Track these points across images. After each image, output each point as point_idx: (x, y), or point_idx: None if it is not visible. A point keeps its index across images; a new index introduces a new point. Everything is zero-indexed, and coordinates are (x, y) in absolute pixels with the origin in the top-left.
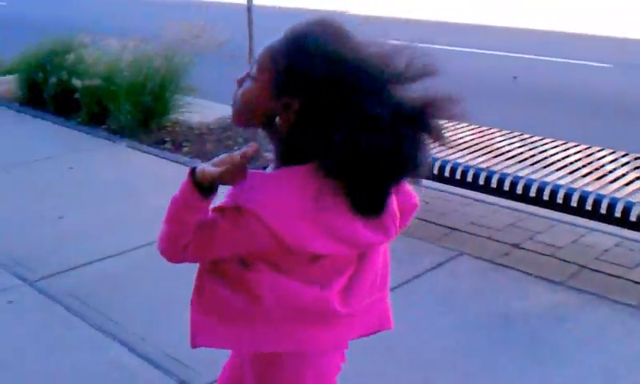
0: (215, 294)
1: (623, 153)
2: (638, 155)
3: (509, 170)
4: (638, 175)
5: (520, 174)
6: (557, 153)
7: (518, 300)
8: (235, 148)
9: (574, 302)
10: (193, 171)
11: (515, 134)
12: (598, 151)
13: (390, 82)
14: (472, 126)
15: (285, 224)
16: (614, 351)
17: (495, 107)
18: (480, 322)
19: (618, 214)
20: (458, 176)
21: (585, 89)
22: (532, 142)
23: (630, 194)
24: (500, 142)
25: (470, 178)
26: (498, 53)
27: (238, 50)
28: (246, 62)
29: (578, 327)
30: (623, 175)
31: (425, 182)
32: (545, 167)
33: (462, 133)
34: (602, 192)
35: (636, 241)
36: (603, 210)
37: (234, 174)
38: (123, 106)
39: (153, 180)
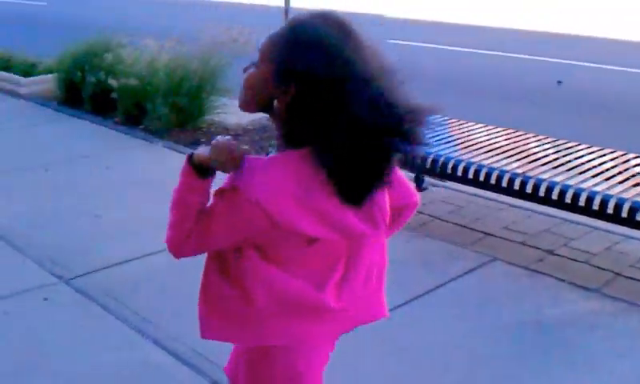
0: (217, 291)
1: None
2: None
3: (544, 176)
4: None
5: (556, 179)
6: (593, 159)
7: (551, 307)
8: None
9: (607, 310)
10: (191, 156)
11: (550, 139)
12: (634, 158)
13: (381, 89)
14: (507, 131)
15: (276, 203)
16: None
17: (536, 112)
18: (512, 329)
19: None
20: (492, 181)
21: (621, 95)
22: (567, 148)
23: None
24: (535, 147)
25: (505, 183)
26: (542, 58)
27: None
28: None
29: (612, 335)
30: None
31: (459, 186)
32: (580, 173)
33: (496, 137)
34: (639, 199)
35: None
36: (639, 218)
37: (224, 163)
38: (160, 107)
39: None
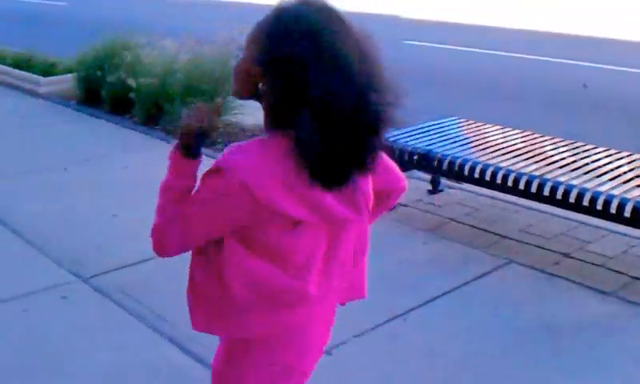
0: (201, 284)
1: None
2: None
3: (561, 179)
4: None
5: (573, 182)
6: (609, 162)
7: (566, 310)
8: None
9: (624, 314)
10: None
11: (567, 141)
12: None
13: (362, 84)
14: (524, 133)
15: (258, 182)
16: None
17: (560, 115)
18: (528, 332)
19: None
20: (509, 183)
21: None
22: (584, 151)
23: None
24: (551, 149)
25: (521, 186)
26: (565, 61)
27: None
28: None
29: (628, 339)
30: None
31: (475, 188)
32: (597, 176)
33: (513, 140)
34: None
35: None
36: None
37: (207, 116)
38: (178, 107)
39: None
